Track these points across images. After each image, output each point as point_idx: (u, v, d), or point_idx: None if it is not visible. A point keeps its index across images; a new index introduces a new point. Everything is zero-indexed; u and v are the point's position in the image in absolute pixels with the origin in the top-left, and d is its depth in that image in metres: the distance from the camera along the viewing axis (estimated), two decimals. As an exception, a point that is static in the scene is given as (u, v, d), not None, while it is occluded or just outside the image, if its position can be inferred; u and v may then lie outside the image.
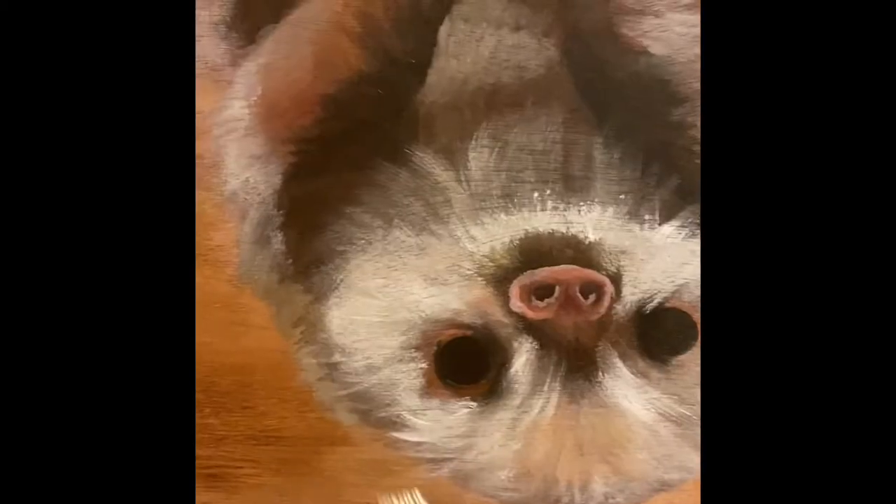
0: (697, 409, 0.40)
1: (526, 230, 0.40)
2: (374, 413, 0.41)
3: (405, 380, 0.40)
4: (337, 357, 0.40)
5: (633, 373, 0.39)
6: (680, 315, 0.40)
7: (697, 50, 0.40)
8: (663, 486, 0.41)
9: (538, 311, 0.38)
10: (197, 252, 0.38)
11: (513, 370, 0.39)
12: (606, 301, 0.38)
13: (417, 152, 0.40)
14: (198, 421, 0.35)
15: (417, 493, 0.39)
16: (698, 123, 0.40)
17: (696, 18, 0.41)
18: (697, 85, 0.40)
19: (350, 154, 0.40)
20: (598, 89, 0.40)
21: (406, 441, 0.40)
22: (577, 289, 0.38)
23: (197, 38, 0.40)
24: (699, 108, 0.40)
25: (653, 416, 0.40)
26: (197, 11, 0.39)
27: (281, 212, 0.43)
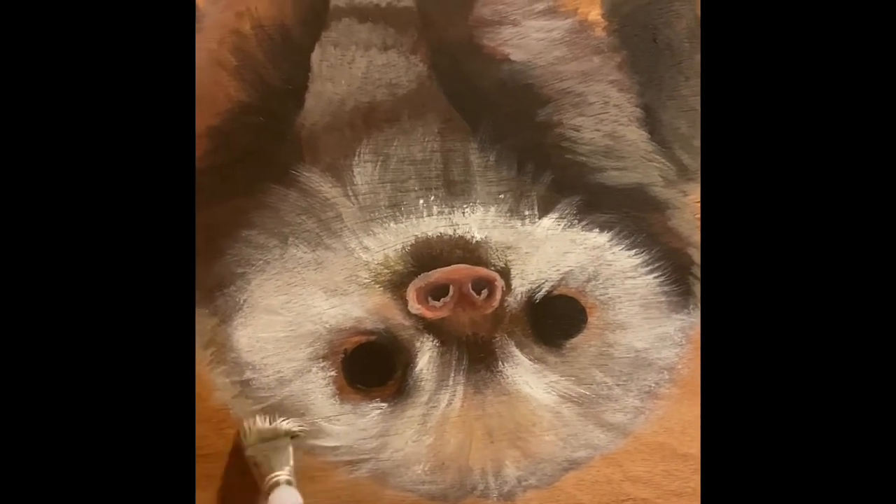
0: (595, 387, 0.43)
1: (416, 236, 0.42)
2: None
3: (316, 389, 0.42)
4: (248, 374, 0.42)
5: (530, 359, 0.42)
6: (568, 301, 0.43)
7: (556, 53, 0.43)
8: (572, 465, 0.43)
9: (435, 311, 0.41)
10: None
11: (418, 369, 0.41)
12: (498, 295, 0.41)
13: (304, 172, 0.42)
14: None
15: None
16: (564, 121, 0.43)
17: (551, 24, 0.43)
18: (559, 85, 0.43)
19: (240, 180, 0.42)
20: (468, 98, 0.43)
21: (323, 447, 0.42)
22: (470, 286, 0.41)
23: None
24: (563, 107, 0.43)
25: (554, 398, 0.42)
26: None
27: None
